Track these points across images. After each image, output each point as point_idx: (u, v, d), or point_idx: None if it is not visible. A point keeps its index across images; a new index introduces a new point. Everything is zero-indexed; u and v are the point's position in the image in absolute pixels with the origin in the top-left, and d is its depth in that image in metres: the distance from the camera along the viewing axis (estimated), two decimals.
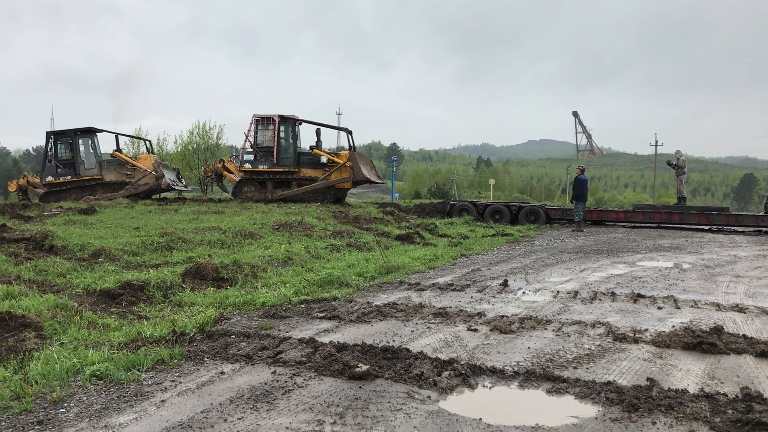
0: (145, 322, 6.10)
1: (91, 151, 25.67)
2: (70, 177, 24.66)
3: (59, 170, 24.73)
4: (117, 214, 16.62)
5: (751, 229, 20.56)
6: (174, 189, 25.54)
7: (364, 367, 4.52)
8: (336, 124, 30.43)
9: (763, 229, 20.53)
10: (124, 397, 4.13)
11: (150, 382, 4.41)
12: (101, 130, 26.50)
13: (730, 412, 3.89)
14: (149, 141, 29.45)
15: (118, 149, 26.56)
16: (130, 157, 26.12)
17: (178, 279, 8.04)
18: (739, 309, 7.07)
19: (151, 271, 8.52)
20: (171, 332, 5.53)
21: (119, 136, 27.02)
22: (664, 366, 4.86)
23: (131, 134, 28.13)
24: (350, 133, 23.69)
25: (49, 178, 24.80)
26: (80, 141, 25.10)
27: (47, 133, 25.15)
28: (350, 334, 5.74)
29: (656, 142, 67.39)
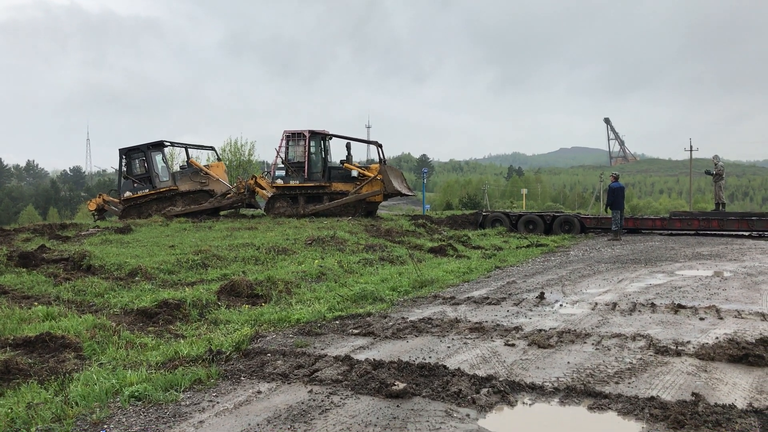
0: (182, 341, 6.13)
1: (163, 163, 26.50)
2: (147, 190, 25.32)
3: (135, 185, 25.39)
4: (152, 232, 16.85)
5: None
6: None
7: (401, 385, 4.47)
8: (365, 138, 30.47)
9: None
10: (163, 418, 4.15)
11: (188, 403, 4.42)
12: (171, 143, 27.35)
13: None
14: (214, 148, 29.87)
15: (188, 158, 27.26)
16: (203, 166, 26.94)
17: (214, 297, 8.09)
18: None
19: (187, 289, 8.59)
20: (207, 351, 5.55)
21: (188, 148, 27.71)
22: (710, 380, 4.72)
23: (198, 144, 28.77)
24: (380, 146, 23.72)
25: (127, 194, 25.43)
26: (152, 154, 25.77)
27: (120, 150, 25.81)
28: (386, 350, 5.70)
29: (691, 147, 66.31)
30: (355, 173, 23.53)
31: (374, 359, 5.26)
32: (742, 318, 6.93)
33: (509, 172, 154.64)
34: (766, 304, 7.80)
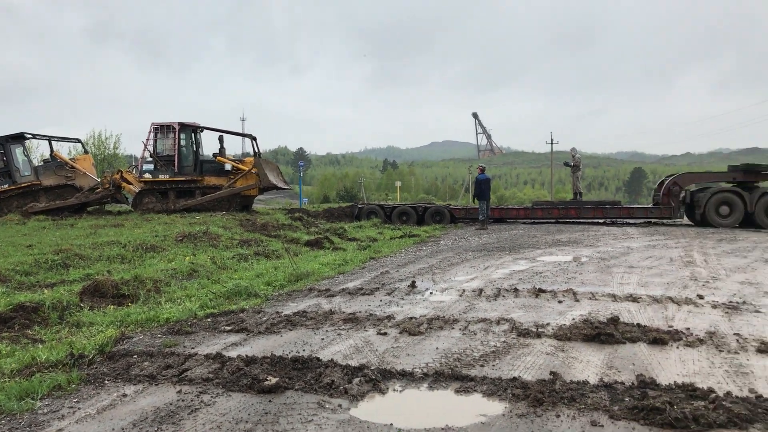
0: (40, 346, 5.77)
1: (24, 157, 24.47)
2: (7, 186, 23.27)
3: None
4: (7, 231, 15.68)
5: (642, 220, 21.75)
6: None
7: (274, 380, 4.45)
8: (240, 131, 29.88)
9: (652, 220, 21.77)
10: (17, 429, 3.89)
11: (46, 411, 4.17)
12: (33, 135, 25.35)
13: (627, 399, 4.08)
14: (80, 140, 27.99)
15: (52, 151, 25.23)
16: (69, 159, 25.13)
17: (76, 298, 7.65)
18: (633, 299, 7.46)
19: (46, 291, 8.08)
20: (68, 355, 5.25)
21: (51, 140, 25.62)
22: (566, 359, 5.05)
23: (63, 137, 26.73)
24: (254, 139, 23.34)
25: None
26: (12, 147, 23.70)
27: None
28: (259, 346, 5.64)
29: (552, 140, 70.40)
30: (228, 167, 23.03)
31: (247, 355, 5.19)
32: (596, 300, 7.45)
33: (384, 165, 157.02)
34: (617, 286, 8.43)
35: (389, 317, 6.61)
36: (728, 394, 4.19)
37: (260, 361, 5.01)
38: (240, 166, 22.91)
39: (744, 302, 7.41)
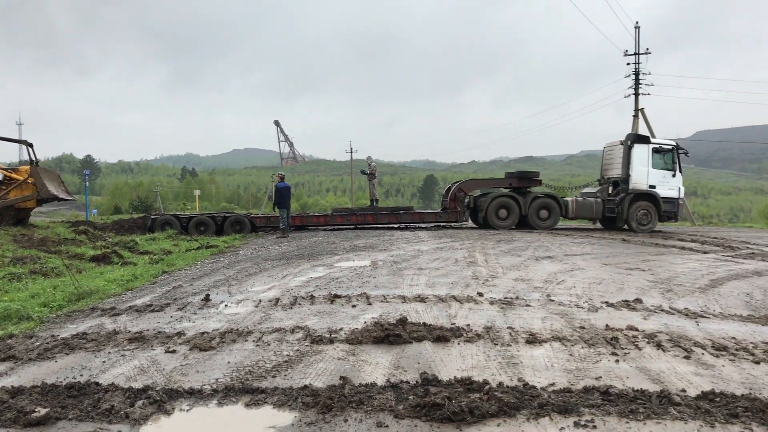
0: None
1: None
2: None
3: None
4: None
5: (432, 224, 23.08)
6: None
7: (43, 411, 4.06)
8: (17, 137, 27.06)
9: (442, 223, 23.21)
10: None
11: None
12: None
13: (411, 398, 4.27)
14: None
15: None
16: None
17: None
18: (421, 299, 7.86)
19: None
20: None
21: None
22: (357, 362, 5.18)
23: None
24: (30, 145, 21.26)
25: None
26: None
27: None
28: (29, 374, 5.11)
29: (351, 149, 72.79)
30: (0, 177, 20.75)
31: (12, 386, 4.67)
32: (387, 302, 7.74)
33: (183, 173, 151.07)
34: (407, 287, 8.83)
35: (179, 333, 6.33)
36: (500, 384, 4.55)
37: (29, 391, 4.54)
38: (13, 175, 20.73)
39: (517, 297, 8.12)
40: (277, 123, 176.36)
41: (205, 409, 4.24)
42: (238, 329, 6.42)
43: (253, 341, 5.93)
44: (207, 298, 8.28)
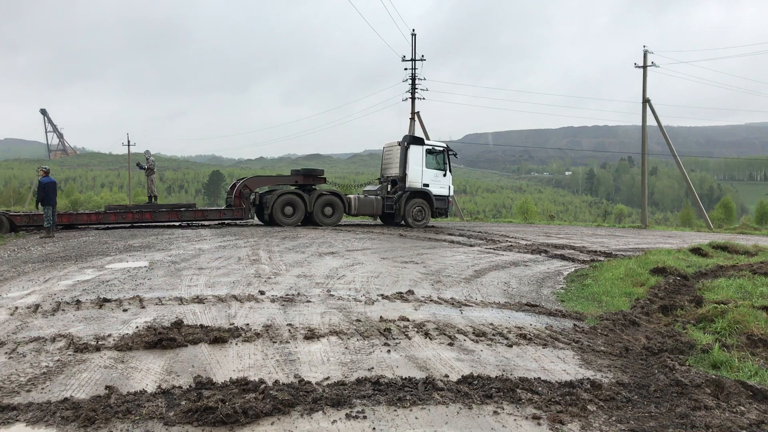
0: None
1: None
2: None
3: None
4: None
5: (216, 222, 22.51)
6: None
7: None
8: None
9: (226, 221, 22.72)
10: None
11: None
12: None
13: (183, 403, 4.13)
14: None
15: None
16: None
17: None
18: (199, 300, 7.63)
19: None
20: None
21: None
22: (126, 370, 4.89)
23: None
24: None
25: None
26: None
27: None
28: None
29: (129, 141, 68.48)
30: None
31: None
32: (163, 304, 7.41)
33: None
34: (185, 288, 8.52)
35: None
36: (276, 382, 4.57)
37: None
38: None
39: (298, 294, 8.21)
40: (44, 111, 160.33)
41: None
42: None
43: (6, 353, 5.34)
44: None
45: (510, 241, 17.24)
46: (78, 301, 7.55)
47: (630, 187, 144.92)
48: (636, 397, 4.57)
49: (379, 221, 24.95)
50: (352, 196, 23.28)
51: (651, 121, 37.99)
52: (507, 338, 6.17)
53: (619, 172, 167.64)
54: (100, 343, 5.62)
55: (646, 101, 37.60)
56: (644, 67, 38.08)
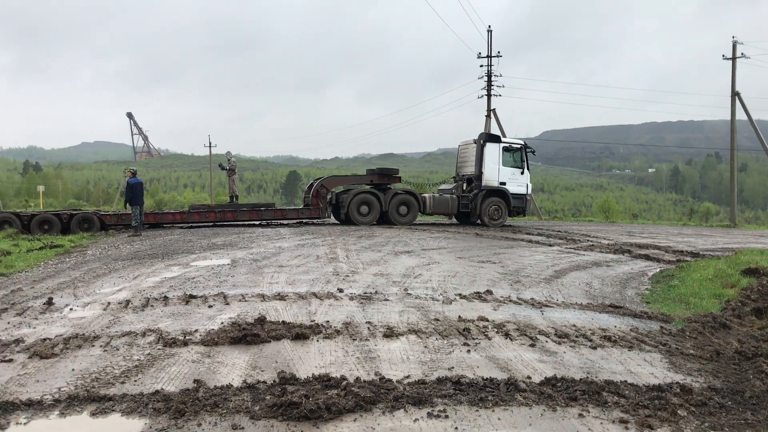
0: None
1: None
2: None
3: None
4: None
5: (294, 221, 22.94)
6: None
7: None
8: None
9: (304, 220, 23.12)
10: None
11: None
12: None
13: (268, 398, 4.23)
14: None
15: None
16: None
17: None
18: (281, 297, 7.80)
19: None
20: None
21: None
22: (212, 364, 5.05)
23: None
24: None
25: None
26: None
27: None
28: None
29: (210, 143, 70.53)
30: None
31: None
32: (246, 301, 7.61)
33: (25, 168, 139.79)
34: (266, 286, 8.72)
35: (18, 341, 5.87)
36: (357, 379, 4.62)
37: None
38: None
39: (376, 292, 8.27)
40: (129, 115, 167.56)
41: (45, 421, 3.97)
42: (83, 334, 6.05)
43: (101, 346, 5.61)
44: (50, 302, 7.73)
45: (591, 241, 16.81)
46: (166, 297, 7.85)
47: (717, 185, 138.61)
48: (730, 403, 4.37)
49: (454, 220, 24.81)
50: (426, 195, 23.22)
51: (740, 115, 36.28)
52: (591, 340, 6.03)
53: (706, 168, 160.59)
54: (187, 338, 5.83)
55: (735, 94, 35.88)
56: (733, 58, 36.37)
